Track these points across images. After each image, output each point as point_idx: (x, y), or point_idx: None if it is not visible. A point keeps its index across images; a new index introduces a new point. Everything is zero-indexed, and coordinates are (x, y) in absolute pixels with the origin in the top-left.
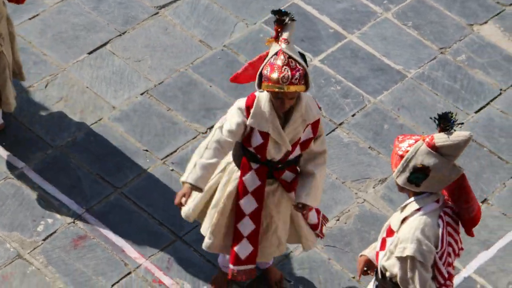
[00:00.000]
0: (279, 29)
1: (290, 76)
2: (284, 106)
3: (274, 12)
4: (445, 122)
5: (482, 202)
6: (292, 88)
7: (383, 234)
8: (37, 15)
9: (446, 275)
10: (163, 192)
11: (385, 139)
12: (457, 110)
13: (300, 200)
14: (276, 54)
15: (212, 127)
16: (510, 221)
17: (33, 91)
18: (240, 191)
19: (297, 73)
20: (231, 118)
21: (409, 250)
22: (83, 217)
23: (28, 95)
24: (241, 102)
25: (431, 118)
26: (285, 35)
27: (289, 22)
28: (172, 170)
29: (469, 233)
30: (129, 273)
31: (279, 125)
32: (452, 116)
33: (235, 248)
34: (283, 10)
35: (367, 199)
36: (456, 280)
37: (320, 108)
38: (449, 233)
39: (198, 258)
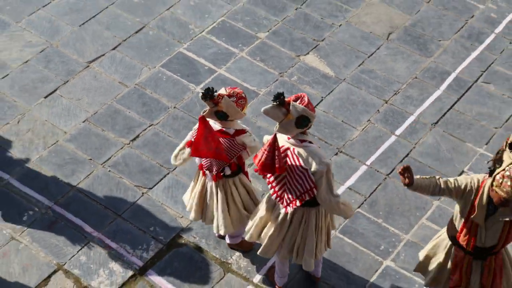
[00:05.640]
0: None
1: None
2: None
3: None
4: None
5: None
6: None
7: None
8: (7, 74)
9: None
10: (105, 186)
11: None
12: None
13: None
14: None
15: (133, 140)
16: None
17: (9, 126)
18: None
19: None
20: None
21: None
22: (53, 208)
23: (5, 130)
24: None
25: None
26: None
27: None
28: (109, 171)
29: None
30: (88, 242)
31: None
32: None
33: None
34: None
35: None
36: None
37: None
38: None
39: (133, 229)
